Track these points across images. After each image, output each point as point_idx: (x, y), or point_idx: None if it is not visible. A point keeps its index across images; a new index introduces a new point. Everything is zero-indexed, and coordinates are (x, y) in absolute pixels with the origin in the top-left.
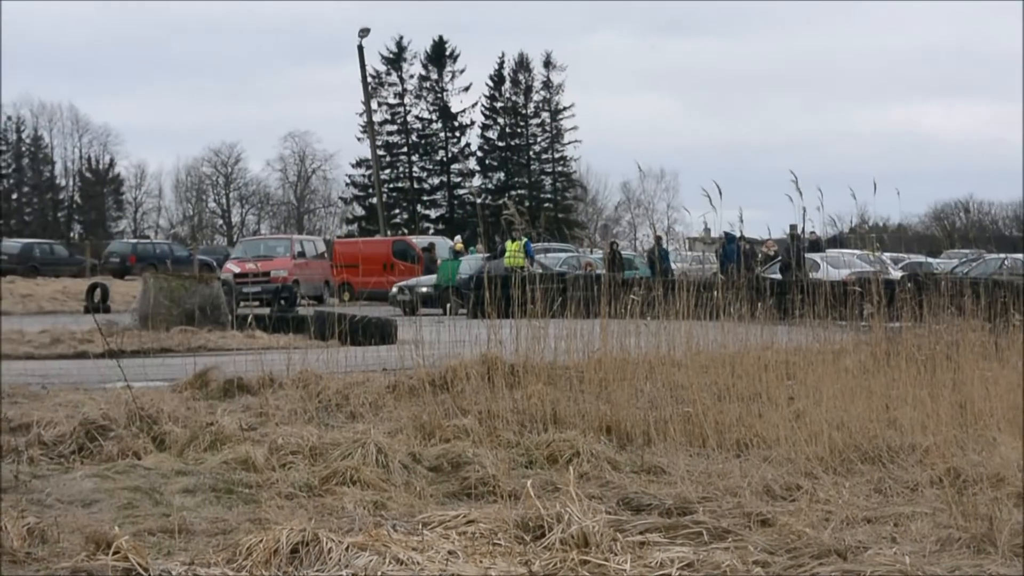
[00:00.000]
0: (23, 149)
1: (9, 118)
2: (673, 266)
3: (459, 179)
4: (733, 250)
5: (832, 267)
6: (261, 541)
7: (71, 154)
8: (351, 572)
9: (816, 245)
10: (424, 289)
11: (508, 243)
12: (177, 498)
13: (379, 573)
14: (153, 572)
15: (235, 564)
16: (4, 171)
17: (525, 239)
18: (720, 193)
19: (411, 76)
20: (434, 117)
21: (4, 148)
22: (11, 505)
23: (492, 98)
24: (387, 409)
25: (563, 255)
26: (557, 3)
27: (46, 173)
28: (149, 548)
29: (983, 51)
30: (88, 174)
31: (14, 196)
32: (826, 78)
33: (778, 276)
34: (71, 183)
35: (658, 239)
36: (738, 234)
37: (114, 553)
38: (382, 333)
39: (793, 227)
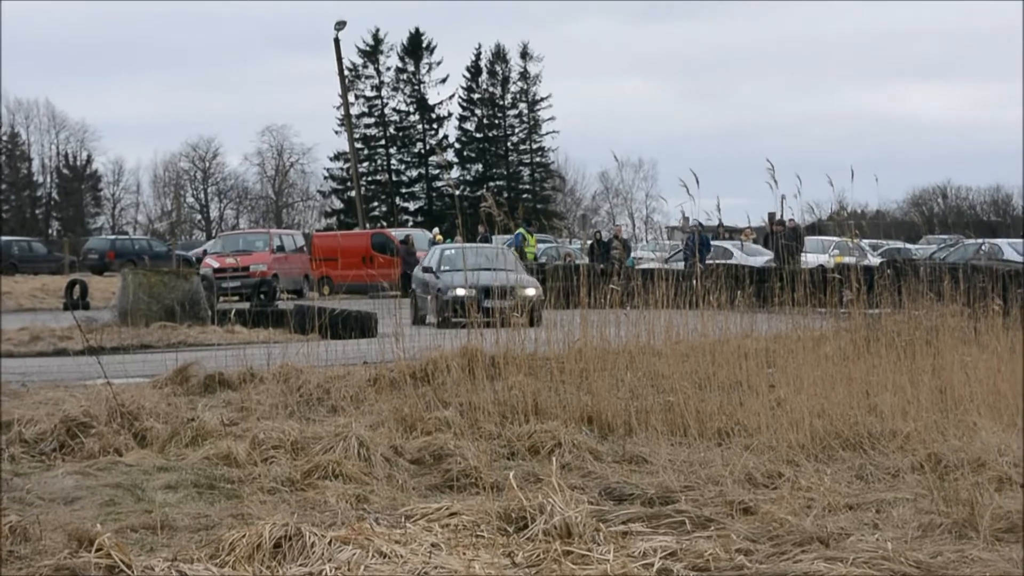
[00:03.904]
0: None
1: None
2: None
3: (437, 171)
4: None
5: (747, 255)
6: (244, 536)
7: (48, 151)
8: (334, 566)
9: (795, 232)
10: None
11: (529, 236)
12: (159, 494)
13: (362, 567)
14: (136, 569)
15: (218, 560)
16: None
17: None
18: (697, 182)
19: (388, 68)
20: (411, 109)
21: None
22: None
23: (469, 89)
24: (368, 402)
25: (543, 246)
26: None
27: (23, 170)
28: (132, 545)
29: (962, 34)
30: (65, 171)
31: None
32: (803, 63)
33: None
34: (48, 180)
35: (616, 236)
36: (715, 223)
37: (97, 550)
38: (362, 326)
39: (772, 215)
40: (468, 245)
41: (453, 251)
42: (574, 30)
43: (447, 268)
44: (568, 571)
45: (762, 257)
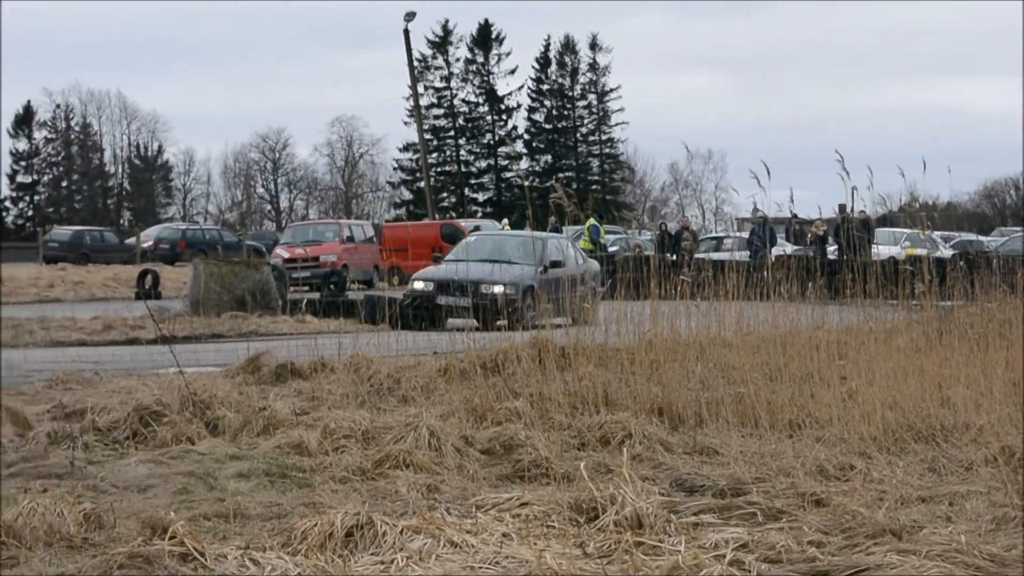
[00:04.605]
0: (72, 137)
1: (58, 106)
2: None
3: (506, 162)
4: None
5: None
6: (316, 525)
7: (120, 141)
8: (406, 555)
9: (866, 224)
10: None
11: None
12: (231, 483)
13: (433, 556)
14: (209, 557)
15: (290, 548)
16: (53, 159)
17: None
18: (768, 173)
19: (457, 59)
20: (481, 100)
21: (53, 136)
22: (67, 491)
23: (538, 80)
24: (439, 392)
25: (612, 236)
26: None
27: (95, 161)
28: (205, 533)
29: None
30: (137, 161)
31: (63, 184)
32: (875, 55)
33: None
34: (120, 170)
35: (686, 227)
36: (788, 215)
37: (170, 538)
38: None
39: (842, 206)
40: (489, 233)
41: (474, 239)
42: (640, 24)
43: (451, 258)
44: (639, 562)
45: (787, 248)
